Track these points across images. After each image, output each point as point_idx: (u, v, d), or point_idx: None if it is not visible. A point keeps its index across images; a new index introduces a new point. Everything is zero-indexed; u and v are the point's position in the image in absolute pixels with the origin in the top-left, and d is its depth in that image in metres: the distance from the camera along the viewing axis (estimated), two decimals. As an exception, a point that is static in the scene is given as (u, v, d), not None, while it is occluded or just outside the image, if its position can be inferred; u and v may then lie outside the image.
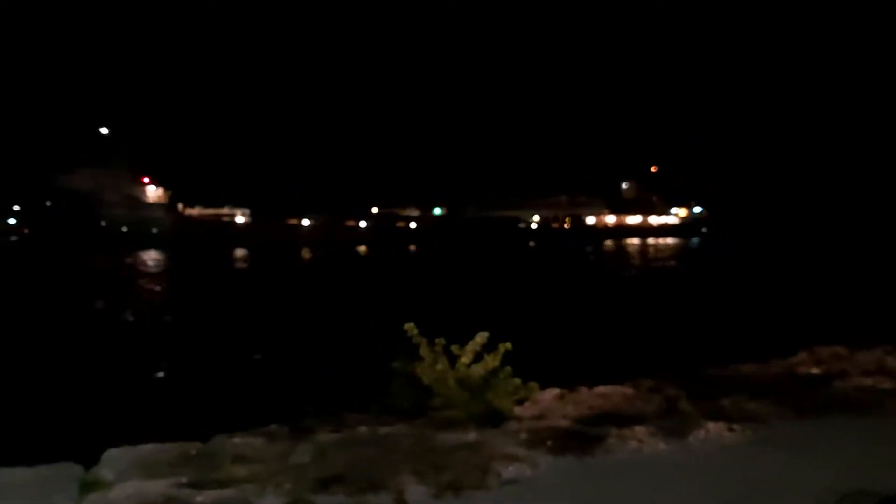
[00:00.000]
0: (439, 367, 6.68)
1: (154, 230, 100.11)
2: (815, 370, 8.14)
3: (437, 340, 6.88)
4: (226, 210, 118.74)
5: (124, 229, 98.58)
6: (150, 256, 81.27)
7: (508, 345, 6.90)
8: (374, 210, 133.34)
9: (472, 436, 5.76)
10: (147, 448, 5.30)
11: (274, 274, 59.44)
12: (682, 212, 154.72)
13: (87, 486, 4.71)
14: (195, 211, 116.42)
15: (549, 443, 5.58)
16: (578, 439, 5.70)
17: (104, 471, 4.93)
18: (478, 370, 6.76)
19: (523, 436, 5.75)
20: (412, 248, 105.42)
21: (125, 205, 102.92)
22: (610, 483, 5.01)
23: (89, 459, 5.08)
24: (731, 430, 6.03)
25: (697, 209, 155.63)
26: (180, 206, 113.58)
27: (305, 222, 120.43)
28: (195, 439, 5.52)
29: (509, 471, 5.09)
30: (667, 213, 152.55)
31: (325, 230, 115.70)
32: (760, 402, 6.70)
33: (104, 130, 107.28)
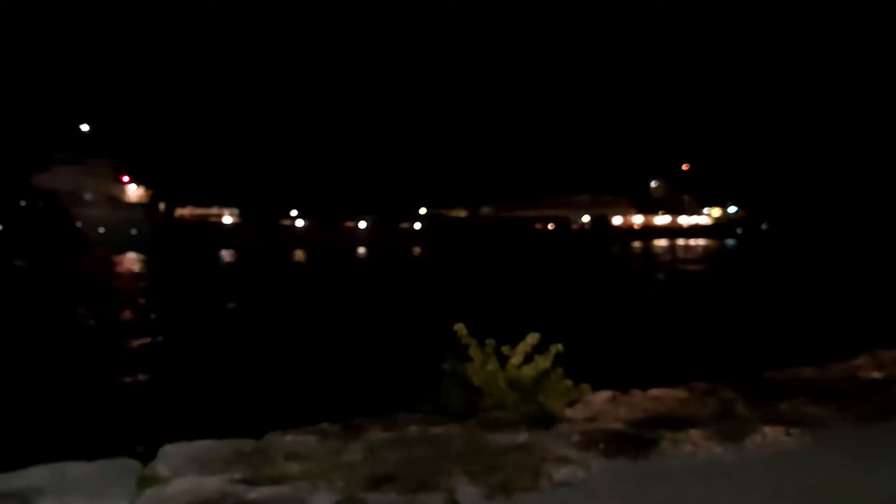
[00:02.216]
0: (489, 367, 6.65)
1: (133, 231, 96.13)
2: (876, 374, 7.89)
3: (487, 341, 6.86)
4: (214, 210, 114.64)
5: (101, 230, 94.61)
6: (127, 259, 79.27)
7: (560, 346, 6.85)
8: (423, 210, 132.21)
9: (523, 437, 5.72)
10: (202, 445, 5.37)
11: (259, 277, 58.34)
12: (716, 212, 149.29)
13: (144, 482, 4.79)
14: (186, 211, 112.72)
15: (601, 445, 5.51)
16: (631, 442, 5.61)
17: (160, 466, 5.01)
18: (528, 371, 6.72)
19: (575, 438, 5.69)
20: (416, 250, 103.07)
21: (103, 204, 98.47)
22: (664, 487, 4.92)
23: (146, 455, 5.17)
24: (789, 434, 5.87)
25: (733, 209, 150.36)
26: (162, 205, 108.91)
27: (299, 223, 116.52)
28: (248, 436, 5.59)
29: (561, 473, 5.04)
30: (699, 213, 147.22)
31: (322, 232, 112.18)
32: (820, 407, 6.52)
33: (85, 127, 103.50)
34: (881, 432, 6.03)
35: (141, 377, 19.50)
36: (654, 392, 7.18)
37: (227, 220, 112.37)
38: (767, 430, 5.93)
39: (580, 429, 5.96)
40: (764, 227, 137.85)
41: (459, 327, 6.88)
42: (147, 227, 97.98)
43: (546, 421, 6.17)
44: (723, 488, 4.91)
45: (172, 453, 5.20)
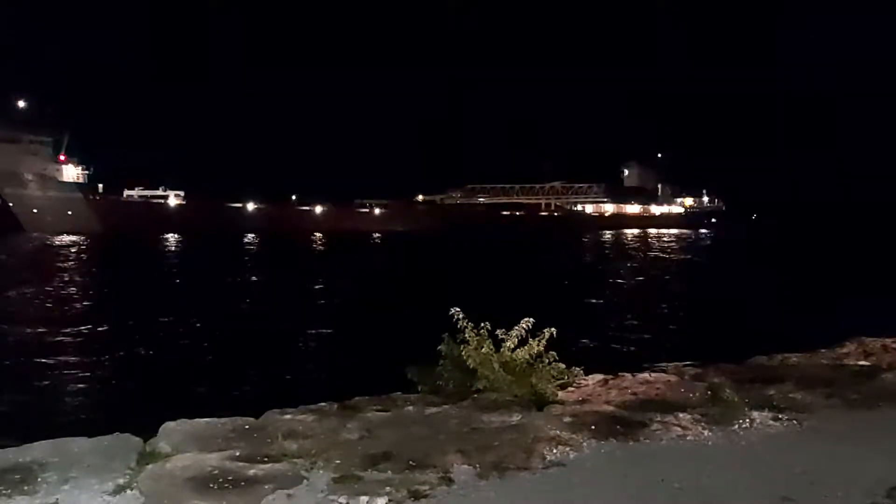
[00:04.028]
0: (484, 350, 6.77)
1: (69, 212, 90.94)
2: (863, 361, 8.04)
3: (482, 324, 6.97)
4: (159, 192, 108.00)
5: (34, 211, 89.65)
6: (63, 241, 74.56)
7: (553, 330, 6.96)
8: (420, 197, 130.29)
9: (516, 418, 5.83)
10: (202, 422, 5.47)
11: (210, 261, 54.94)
12: (689, 201, 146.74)
13: (145, 458, 4.88)
14: (135, 192, 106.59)
15: (592, 427, 5.63)
16: (622, 424, 5.73)
17: (161, 443, 5.11)
18: (522, 354, 6.84)
19: (567, 419, 5.80)
20: (377, 235, 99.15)
21: (38, 185, 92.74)
22: (653, 468, 5.02)
23: (147, 432, 5.26)
24: (777, 419, 6.00)
25: (706, 199, 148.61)
26: (100, 186, 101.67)
27: (250, 206, 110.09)
28: (247, 414, 5.68)
29: (553, 453, 5.15)
30: (671, 202, 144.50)
31: (275, 215, 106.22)
32: (807, 393, 6.65)
33: (21, 103, 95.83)
34: (868, 419, 6.15)
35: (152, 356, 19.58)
36: (644, 376, 7.31)
37: (172, 201, 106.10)
38: (755, 414, 6.06)
39: (572, 411, 6.08)
40: (753, 217, 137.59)
41: (456, 311, 7.00)
42: (83, 208, 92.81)
43: (539, 403, 6.29)
44: (711, 471, 5.01)
45: (173, 430, 5.30)
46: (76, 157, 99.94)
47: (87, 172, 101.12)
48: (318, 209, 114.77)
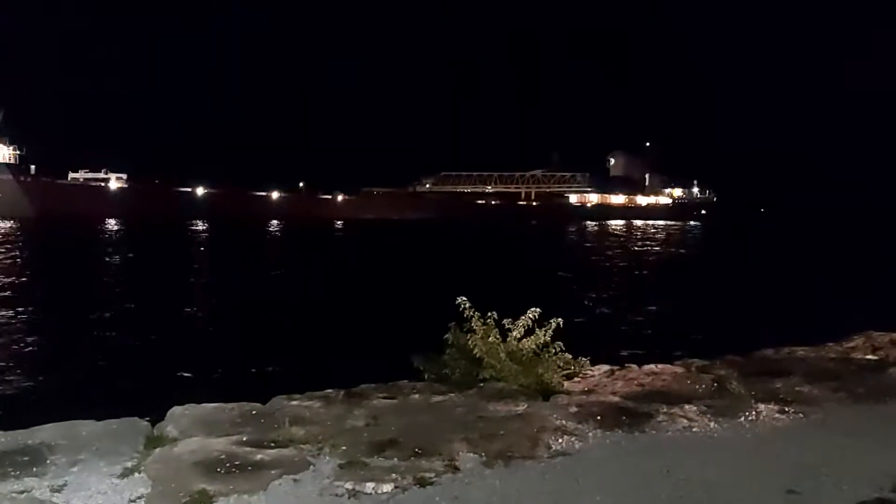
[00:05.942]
0: (491, 339, 6.78)
1: None
2: (871, 355, 8.02)
3: (489, 314, 6.98)
4: (100, 174, 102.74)
5: None
6: None
7: (559, 320, 6.97)
8: (425, 187, 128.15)
9: (522, 407, 5.85)
10: (209, 407, 5.50)
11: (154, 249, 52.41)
12: (678, 192, 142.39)
13: (153, 441, 4.92)
14: (80, 175, 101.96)
15: (598, 417, 5.64)
16: (628, 415, 5.74)
17: (169, 427, 5.14)
18: (529, 344, 6.85)
19: (573, 410, 5.81)
20: (338, 223, 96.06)
21: None
22: (658, 459, 5.03)
23: (155, 416, 5.29)
24: (783, 412, 6.00)
25: (696, 190, 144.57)
26: (32, 167, 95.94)
27: (200, 190, 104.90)
28: (254, 400, 5.71)
29: (559, 443, 5.17)
30: (660, 192, 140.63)
31: (228, 200, 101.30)
32: (814, 386, 6.64)
33: None
34: (875, 412, 6.14)
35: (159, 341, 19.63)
36: (651, 367, 7.32)
37: (113, 185, 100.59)
38: (762, 407, 6.06)
39: (578, 401, 6.09)
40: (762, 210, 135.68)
41: (463, 300, 7.00)
42: (14, 191, 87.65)
43: (545, 392, 6.30)
44: (716, 463, 5.02)
45: (181, 415, 5.33)
46: (7, 136, 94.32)
47: (19, 153, 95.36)
48: (275, 195, 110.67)
